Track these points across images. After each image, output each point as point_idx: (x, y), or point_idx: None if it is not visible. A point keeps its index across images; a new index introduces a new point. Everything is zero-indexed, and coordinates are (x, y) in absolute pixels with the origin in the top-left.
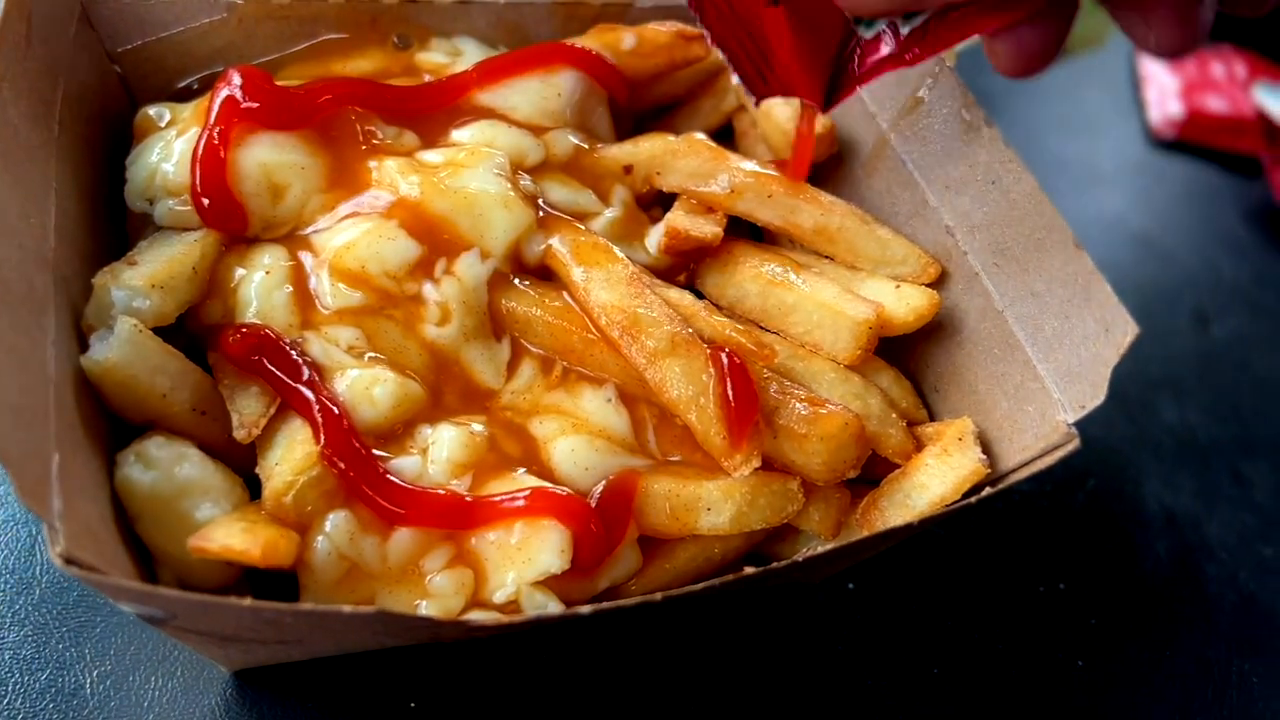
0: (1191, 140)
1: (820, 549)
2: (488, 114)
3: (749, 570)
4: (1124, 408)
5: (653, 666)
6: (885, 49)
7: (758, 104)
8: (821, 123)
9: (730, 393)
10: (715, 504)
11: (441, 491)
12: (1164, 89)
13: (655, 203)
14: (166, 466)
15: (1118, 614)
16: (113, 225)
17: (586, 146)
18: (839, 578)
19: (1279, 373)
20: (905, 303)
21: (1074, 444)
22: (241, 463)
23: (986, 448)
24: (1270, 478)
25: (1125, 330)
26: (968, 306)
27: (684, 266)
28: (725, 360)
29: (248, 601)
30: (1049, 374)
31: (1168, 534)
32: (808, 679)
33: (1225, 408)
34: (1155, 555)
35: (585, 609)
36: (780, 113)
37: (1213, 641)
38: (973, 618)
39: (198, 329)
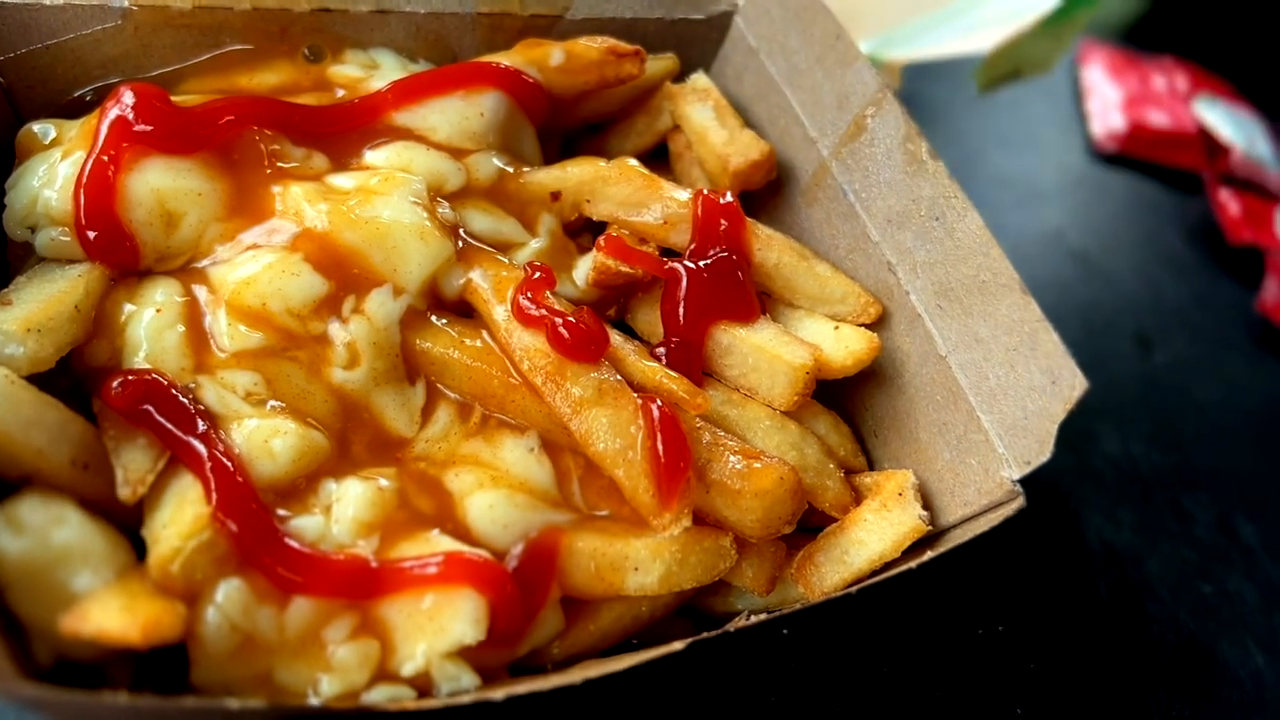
0: (1133, 154)
1: (754, 619)
2: (405, 135)
3: (677, 645)
4: (1065, 436)
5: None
6: None
7: None
8: (759, 148)
9: (660, 447)
10: (643, 563)
11: (344, 556)
12: (1106, 101)
13: (584, 229)
14: (41, 531)
15: (1058, 657)
16: None
17: (511, 171)
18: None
19: (1218, 399)
20: (844, 346)
21: (1018, 502)
22: (128, 518)
23: (927, 500)
24: (1210, 510)
25: (1073, 384)
26: (909, 349)
27: (614, 300)
28: (656, 412)
29: (123, 698)
30: (993, 426)
31: (1109, 571)
32: None
33: (1167, 436)
34: (1096, 594)
35: (498, 694)
36: (716, 136)
37: (1153, 687)
38: (910, 663)
39: (82, 370)
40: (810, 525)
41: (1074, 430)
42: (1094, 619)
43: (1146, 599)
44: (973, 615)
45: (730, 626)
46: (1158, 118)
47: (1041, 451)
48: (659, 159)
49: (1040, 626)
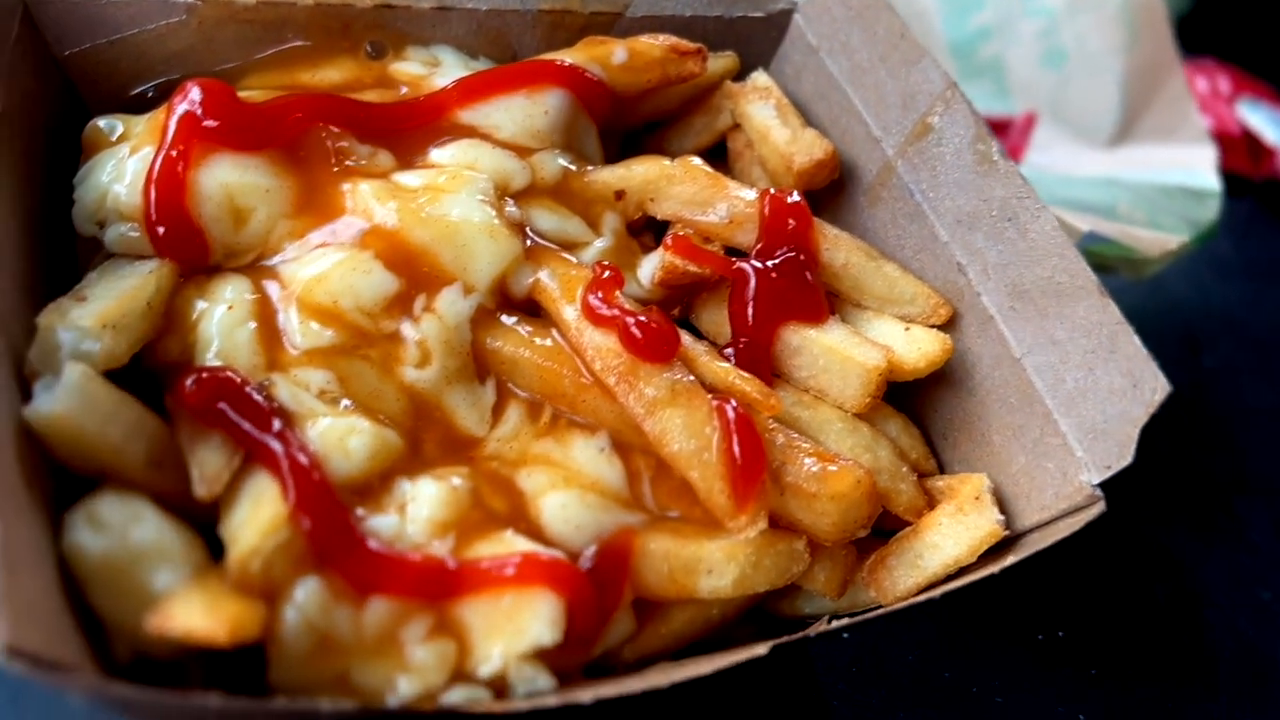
0: None
1: (834, 624)
2: (470, 133)
3: (760, 649)
4: None
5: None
6: None
7: None
8: (823, 147)
9: (736, 448)
10: (717, 566)
11: (421, 556)
12: None
13: (645, 228)
14: (120, 529)
15: (1118, 663)
16: (57, 250)
17: (575, 169)
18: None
19: (1269, 403)
20: (916, 347)
21: (1099, 507)
22: (203, 516)
23: (1002, 505)
24: (1264, 514)
25: (1155, 387)
26: (981, 351)
27: (678, 300)
28: (731, 413)
29: (214, 700)
30: (1071, 430)
31: (1165, 576)
32: None
33: (1218, 441)
34: (1154, 599)
35: (585, 696)
36: (779, 134)
37: (1213, 694)
38: (970, 668)
39: (154, 366)
40: (881, 529)
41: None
42: (1152, 625)
43: (1204, 605)
44: (1033, 620)
45: (811, 631)
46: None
47: (1123, 456)
48: (717, 158)
49: (1100, 632)
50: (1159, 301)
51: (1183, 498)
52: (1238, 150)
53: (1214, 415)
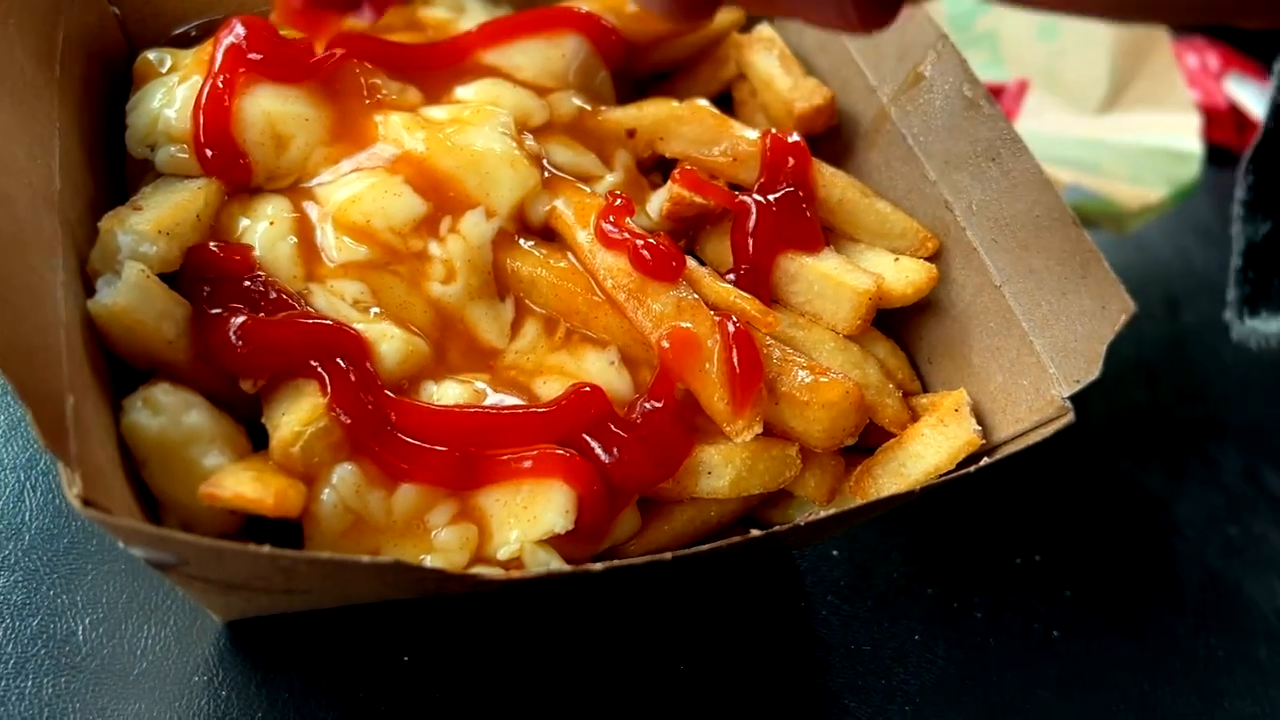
0: None
1: (820, 514)
2: (492, 73)
3: (755, 533)
4: (1098, 387)
5: (641, 623)
6: None
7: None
8: (822, 94)
9: (735, 359)
10: (716, 468)
11: (447, 448)
12: None
13: (654, 168)
14: (174, 413)
15: (1092, 587)
16: (111, 170)
17: (589, 109)
18: (823, 544)
19: (1246, 359)
20: (903, 276)
21: (1068, 418)
22: (244, 412)
23: (980, 419)
24: (1236, 459)
25: (1121, 308)
26: (964, 281)
27: (684, 233)
28: (732, 327)
29: (266, 549)
30: (1044, 349)
31: (1140, 512)
32: (793, 642)
33: (1195, 391)
34: (1129, 531)
35: (597, 566)
36: (781, 82)
37: (1181, 616)
38: (952, 586)
39: None
40: (868, 444)
41: (1106, 383)
42: (1125, 554)
43: (1174, 537)
44: (1012, 546)
45: (800, 520)
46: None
47: (1090, 370)
48: (723, 107)
49: (1075, 558)
50: (1144, 262)
51: (1160, 442)
52: (1225, 124)
53: (1191, 368)
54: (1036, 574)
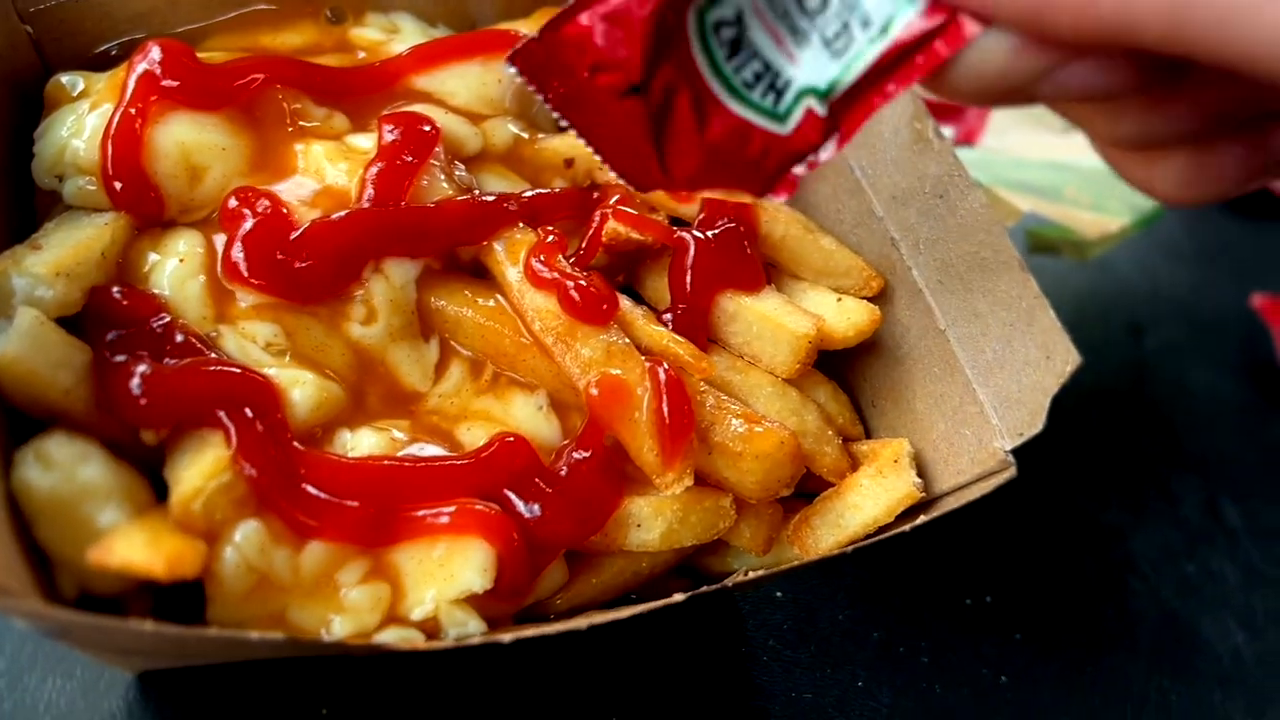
0: None
1: (751, 575)
2: (424, 98)
3: (678, 596)
4: (1056, 417)
5: (571, 669)
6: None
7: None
8: None
9: (666, 409)
10: (646, 520)
11: (358, 503)
12: None
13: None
14: (68, 467)
15: (1043, 629)
16: (15, 200)
17: (526, 137)
18: (768, 585)
19: (1210, 387)
20: (846, 317)
21: (1009, 473)
22: (147, 461)
23: (921, 469)
24: (1196, 492)
25: (1067, 358)
26: (909, 323)
27: (622, 267)
28: (663, 375)
29: (149, 626)
30: (988, 398)
31: (1095, 548)
32: (731, 691)
33: (1157, 420)
34: (1082, 569)
35: (506, 636)
36: None
37: (1134, 658)
38: (899, 628)
39: None
40: (807, 490)
41: (1065, 412)
42: (1079, 593)
43: (1130, 575)
44: (962, 586)
45: (728, 582)
46: None
47: (1034, 423)
48: None
49: (1027, 598)
50: (1107, 284)
51: (1117, 474)
52: None
53: (1153, 396)
54: (987, 615)
